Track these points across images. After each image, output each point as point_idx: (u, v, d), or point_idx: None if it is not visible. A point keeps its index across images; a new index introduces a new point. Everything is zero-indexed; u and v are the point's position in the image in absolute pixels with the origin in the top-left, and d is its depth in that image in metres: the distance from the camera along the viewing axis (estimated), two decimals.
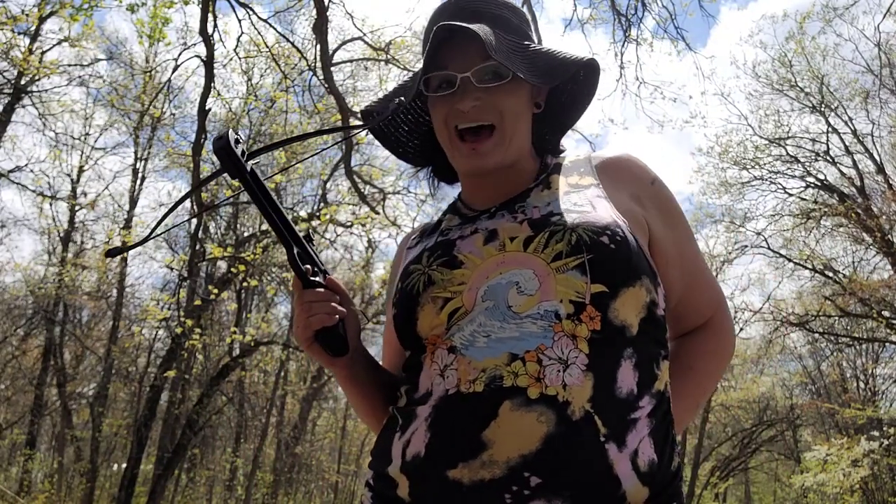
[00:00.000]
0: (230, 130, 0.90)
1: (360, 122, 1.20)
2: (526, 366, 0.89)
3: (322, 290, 0.99)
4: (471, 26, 1.01)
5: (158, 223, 1.04)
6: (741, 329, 19.10)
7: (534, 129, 1.14)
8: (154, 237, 1.04)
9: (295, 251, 0.96)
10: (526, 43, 1.08)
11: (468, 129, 1.05)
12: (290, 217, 0.98)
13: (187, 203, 14.11)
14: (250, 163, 0.93)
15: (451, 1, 1.11)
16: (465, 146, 1.06)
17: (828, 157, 14.99)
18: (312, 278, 0.98)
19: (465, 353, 0.93)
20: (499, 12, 1.09)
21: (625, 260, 0.95)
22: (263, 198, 0.94)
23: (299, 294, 0.98)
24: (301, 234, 0.99)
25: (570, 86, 1.15)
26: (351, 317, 1.03)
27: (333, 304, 0.99)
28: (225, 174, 0.93)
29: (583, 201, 1.02)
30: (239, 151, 0.90)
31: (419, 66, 1.14)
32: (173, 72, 7.80)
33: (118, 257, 13.56)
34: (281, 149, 12.05)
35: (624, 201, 1.05)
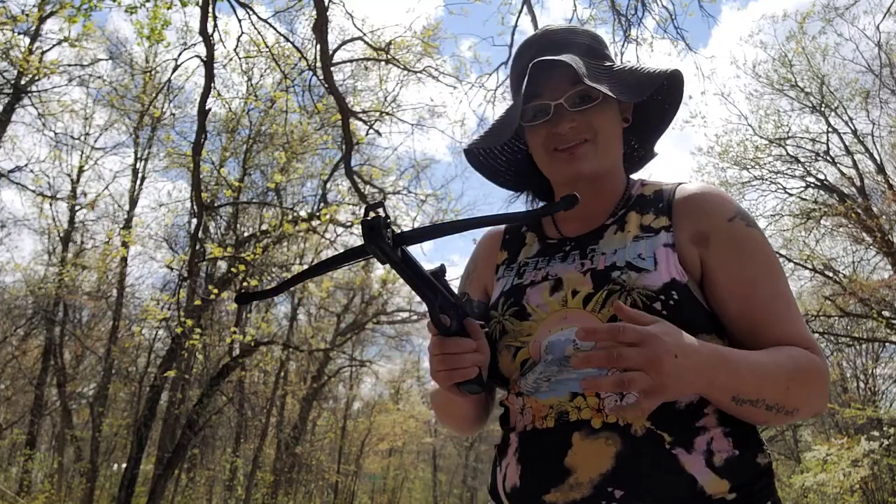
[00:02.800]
0: (379, 215, 0.88)
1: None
2: (587, 400, 1.01)
3: (462, 340, 1.01)
4: (560, 57, 1.10)
5: None
6: None
7: (625, 142, 1.23)
8: None
9: (436, 305, 0.98)
10: (608, 64, 1.17)
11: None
12: (425, 269, 0.99)
13: (188, 204, 14.12)
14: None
15: (537, 36, 1.22)
16: (563, 153, 1.14)
17: (828, 157, 15.00)
18: (452, 327, 1.00)
19: (531, 396, 1.07)
20: (582, 41, 1.19)
21: (676, 325, 0.99)
22: (413, 274, 0.95)
23: (439, 342, 1.00)
24: (434, 271, 1.00)
25: (657, 97, 1.22)
26: (484, 351, 1.06)
27: (474, 356, 1.01)
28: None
29: (648, 253, 1.07)
30: (389, 235, 0.89)
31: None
32: (173, 72, 7.79)
33: (120, 258, 13.56)
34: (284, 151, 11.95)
35: (684, 244, 1.09)
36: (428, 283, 0.98)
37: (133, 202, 15.15)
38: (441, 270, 1.00)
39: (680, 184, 1.17)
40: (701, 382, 0.89)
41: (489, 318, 1.17)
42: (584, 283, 1.07)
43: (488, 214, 0.96)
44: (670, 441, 0.96)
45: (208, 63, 5.75)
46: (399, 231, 0.92)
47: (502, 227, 1.32)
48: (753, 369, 0.95)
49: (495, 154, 1.30)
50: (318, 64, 6.04)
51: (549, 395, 1.04)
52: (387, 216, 0.90)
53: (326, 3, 5.67)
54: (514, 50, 1.24)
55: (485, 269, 1.28)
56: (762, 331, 1.04)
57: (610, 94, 1.08)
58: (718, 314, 1.07)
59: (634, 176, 1.26)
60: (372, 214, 0.89)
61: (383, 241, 0.88)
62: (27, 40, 11.70)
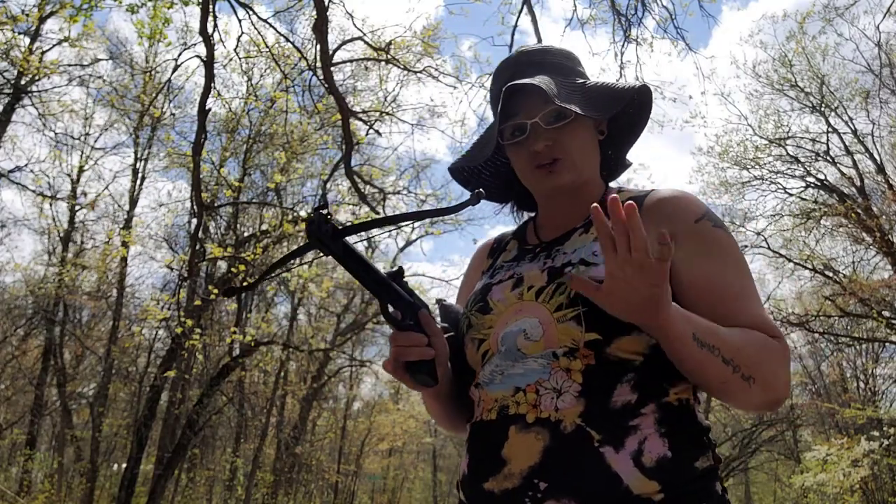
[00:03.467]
0: (320, 212, 0.98)
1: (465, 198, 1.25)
2: (526, 396, 1.07)
3: (412, 333, 1.11)
4: (533, 80, 1.17)
5: None
6: None
7: (601, 152, 1.29)
8: None
9: (387, 304, 1.09)
10: (581, 82, 1.24)
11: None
12: (379, 268, 1.09)
13: (188, 204, 14.12)
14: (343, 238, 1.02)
15: (512, 57, 1.30)
16: (541, 171, 1.22)
17: (828, 157, 15.00)
18: (403, 321, 1.11)
19: (485, 388, 1.14)
20: (555, 60, 1.27)
21: None
22: (356, 266, 1.04)
23: (392, 335, 1.12)
24: (391, 272, 1.10)
25: (629, 109, 1.29)
26: (439, 347, 1.15)
27: (421, 349, 1.11)
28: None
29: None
30: (329, 229, 0.99)
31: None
32: (173, 72, 7.79)
33: (120, 258, 13.57)
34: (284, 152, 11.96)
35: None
36: (376, 277, 1.07)
37: (133, 202, 15.15)
38: (398, 272, 1.12)
39: (653, 191, 1.23)
40: (669, 308, 0.95)
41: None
42: (540, 279, 1.15)
43: (421, 209, 1.05)
44: (599, 439, 1.00)
45: (208, 63, 5.75)
46: (341, 226, 1.01)
47: (493, 237, 1.43)
48: (709, 324, 1.02)
49: (479, 170, 1.37)
50: (318, 64, 6.04)
51: (498, 387, 1.11)
52: (328, 213, 0.98)
53: (326, 3, 5.67)
54: (505, 61, 1.30)
55: (475, 276, 1.38)
56: (726, 322, 1.06)
57: (580, 111, 1.15)
58: (685, 303, 1.10)
59: (613, 184, 1.33)
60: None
61: (322, 234, 0.97)
62: (27, 40, 11.70)
